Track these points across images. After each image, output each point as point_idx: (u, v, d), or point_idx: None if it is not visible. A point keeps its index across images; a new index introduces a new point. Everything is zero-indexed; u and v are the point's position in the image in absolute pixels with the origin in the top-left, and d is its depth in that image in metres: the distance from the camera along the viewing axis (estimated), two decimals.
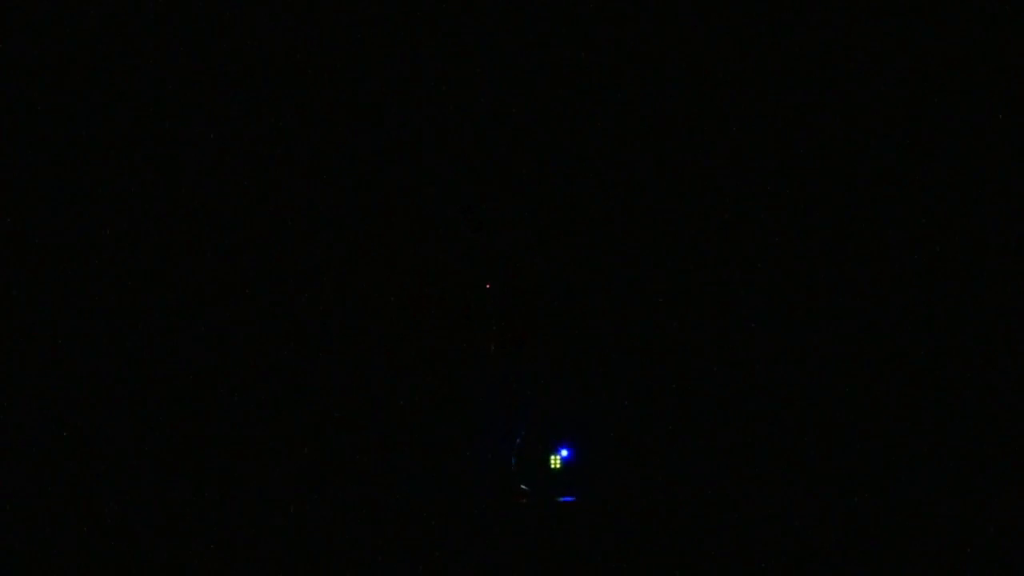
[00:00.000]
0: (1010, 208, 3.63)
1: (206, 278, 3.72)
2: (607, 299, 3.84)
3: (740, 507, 3.66)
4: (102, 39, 3.63)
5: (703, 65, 3.76)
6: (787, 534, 3.59)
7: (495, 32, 3.74)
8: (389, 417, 3.76)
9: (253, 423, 3.69)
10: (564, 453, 3.83)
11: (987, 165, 3.66)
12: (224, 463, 3.67)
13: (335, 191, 3.79)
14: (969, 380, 3.62)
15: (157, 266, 3.70)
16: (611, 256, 3.83)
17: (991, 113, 3.65)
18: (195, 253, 3.71)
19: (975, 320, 3.63)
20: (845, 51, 3.71)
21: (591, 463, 3.81)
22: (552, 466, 3.82)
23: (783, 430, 3.70)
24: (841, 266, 3.74)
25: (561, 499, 3.77)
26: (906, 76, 3.69)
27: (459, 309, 3.82)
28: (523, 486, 3.81)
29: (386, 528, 3.66)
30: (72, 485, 3.58)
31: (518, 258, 3.85)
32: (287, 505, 3.64)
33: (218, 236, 3.73)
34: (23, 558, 3.46)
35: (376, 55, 3.75)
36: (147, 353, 3.67)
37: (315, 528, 3.64)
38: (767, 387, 3.73)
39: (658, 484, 3.73)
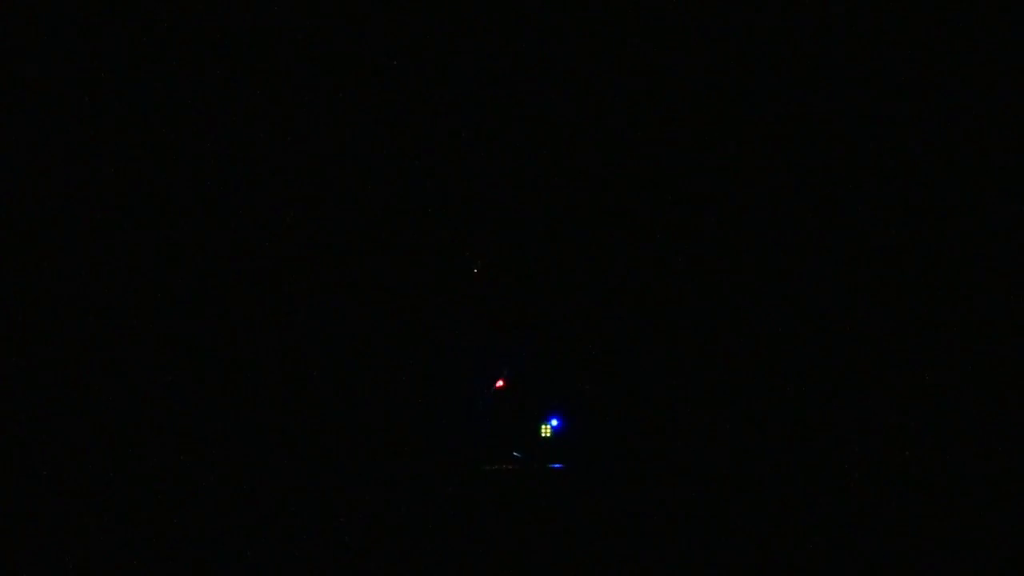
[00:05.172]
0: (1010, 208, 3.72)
1: (199, 278, 3.76)
2: (596, 283, 3.98)
3: (718, 471, 3.93)
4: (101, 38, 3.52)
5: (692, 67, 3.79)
6: (763, 500, 3.88)
7: (495, 32, 3.71)
8: (391, 394, 3.94)
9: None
10: (554, 423, 4.05)
11: (987, 165, 3.74)
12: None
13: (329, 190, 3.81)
14: (967, 380, 3.81)
15: (156, 265, 3.72)
16: (599, 245, 3.95)
17: (991, 113, 3.70)
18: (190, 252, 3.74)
19: (975, 320, 3.79)
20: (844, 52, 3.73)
21: (579, 432, 4.05)
22: (543, 435, 4.06)
23: (760, 405, 3.94)
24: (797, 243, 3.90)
25: (551, 465, 4.02)
26: (905, 77, 3.73)
27: (458, 294, 3.95)
28: (515, 453, 4.05)
29: (382, 490, 3.88)
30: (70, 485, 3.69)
31: (514, 247, 3.95)
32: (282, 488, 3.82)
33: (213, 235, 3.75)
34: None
35: (375, 55, 3.70)
36: (143, 352, 3.74)
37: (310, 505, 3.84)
38: (746, 364, 3.95)
39: (642, 452, 3.99)
